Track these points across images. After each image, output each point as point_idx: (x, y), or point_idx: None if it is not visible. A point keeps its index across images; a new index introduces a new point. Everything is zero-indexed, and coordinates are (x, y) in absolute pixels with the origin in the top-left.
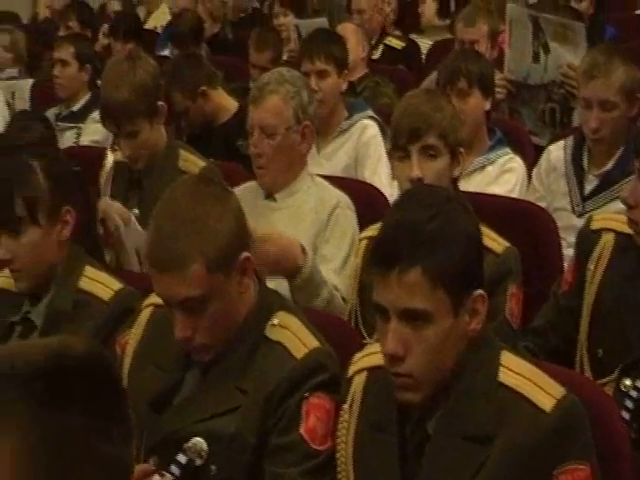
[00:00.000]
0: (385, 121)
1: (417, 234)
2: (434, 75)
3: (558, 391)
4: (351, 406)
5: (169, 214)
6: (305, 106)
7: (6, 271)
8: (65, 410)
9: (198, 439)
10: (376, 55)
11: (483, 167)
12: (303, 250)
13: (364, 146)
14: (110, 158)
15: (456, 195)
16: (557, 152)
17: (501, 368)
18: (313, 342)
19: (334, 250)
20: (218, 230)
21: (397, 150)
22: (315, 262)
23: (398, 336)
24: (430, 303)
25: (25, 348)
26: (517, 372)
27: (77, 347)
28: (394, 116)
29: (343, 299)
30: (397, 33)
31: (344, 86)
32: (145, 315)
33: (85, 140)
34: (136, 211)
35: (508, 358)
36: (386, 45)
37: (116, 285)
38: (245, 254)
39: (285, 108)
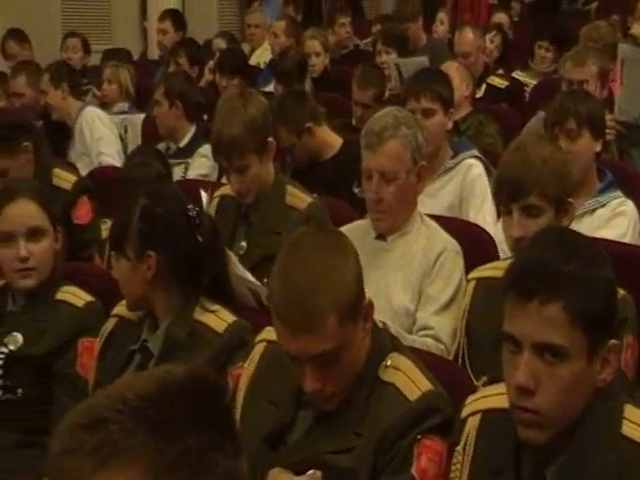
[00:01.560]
0: (489, 161)
1: (558, 271)
2: (541, 114)
3: None
4: (464, 448)
5: (298, 271)
6: (420, 146)
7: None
8: (180, 433)
9: (315, 470)
10: (479, 94)
11: (593, 210)
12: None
13: (469, 185)
14: (204, 197)
15: (592, 241)
16: None
17: (624, 421)
18: (426, 384)
19: (438, 291)
20: (347, 281)
21: (499, 204)
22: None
23: (530, 369)
24: (567, 340)
25: (132, 382)
26: None
27: (179, 372)
28: (499, 167)
29: (439, 340)
30: (500, 72)
31: (449, 125)
32: (258, 350)
33: (192, 174)
34: (243, 244)
35: (631, 411)
36: (489, 84)
37: (230, 318)
38: (366, 299)
39: (404, 152)
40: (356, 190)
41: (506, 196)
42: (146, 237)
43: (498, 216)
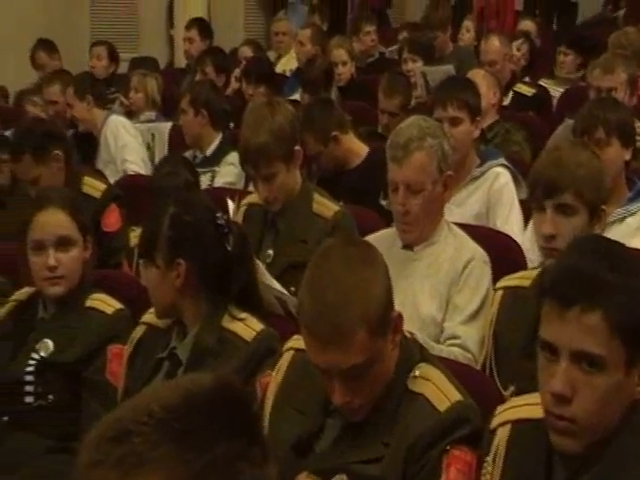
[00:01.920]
0: (516, 169)
1: (598, 279)
2: (569, 122)
3: None
4: (494, 459)
5: (327, 284)
6: (446, 156)
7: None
8: (206, 444)
9: (342, 476)
10: (506, 101)
11: (623, 219)
12: None
13: (496, 194)
14: (230, 206)
15: (629, 250)
16: None
17: None
18: (455, 394)
19: (466, 301)
20: (376, 294)
21: (534, 202)
22: None
23: (567, 377)
24: (605, 350)
25: (159, 392)
26: None
27: (205, 381)
28: (534, 166)
29: (466, 349)
30: (527, 80)
31: (476, 133)
32: (286, 358)
33: (219, 182)
34: (270, 252)
35: None
36: (516, 92)
37: (258, 326)
38: (395, 312)
39: (429, 163)
40: (383, 202)
41: (541, 193)
42: (175, 245)
43: (525, 225)
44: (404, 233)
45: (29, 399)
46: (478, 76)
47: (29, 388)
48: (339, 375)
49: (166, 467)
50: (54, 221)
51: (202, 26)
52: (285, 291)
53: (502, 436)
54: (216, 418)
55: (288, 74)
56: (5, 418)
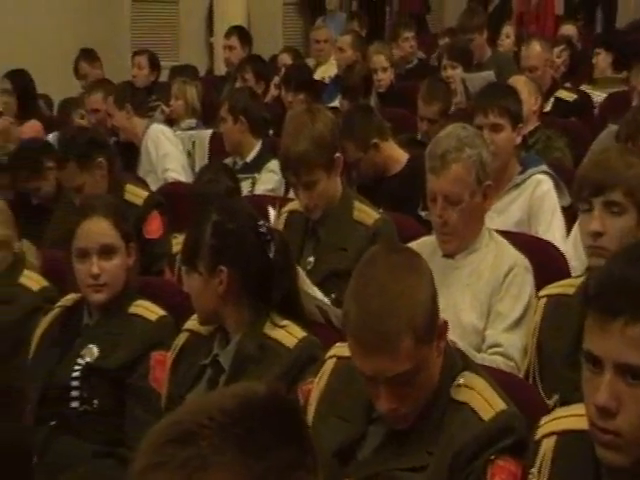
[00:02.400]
0: (558, 175)
1: None
2: (612, 128)
3: None
4: (540, 471)
5: (373, 292)
6: (485, 165)
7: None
8: (264, 450)
9: None
10: (547, 108)
11: None
12: None
13: (538, 201)
14: (271, 213)
15: None
16: None
17: None
18: (500, 403)
19: (508, 309)
20: (422, 301)
21: (581, 202)
22: None
23: (611, 390)
24: None
25: (214, 398)
26: None
27: (260, 389)
28: (581, 167)
29: (509, 358)
30: (568, 85)
31: (518, 140)
32: (329, 366)
33: (259, 189)
34: (311, 260)
35: None
36: (557, 98)
37: (300, 333)
38: (441, 319)
39: (467, 174)
40: (421, 213)
41: (589, 191)
42: (218, 253)
43: (567, 232)
44: (443, 243)
45: (75, 404)
46: (519, 82)
47: (75, 393)
48: (385, 382)
49: (230, 471)
50: (98, 229)
51: (242, 34)
52: (326, 300)
53: (547, 447)
54: (270, 425)
55: (327, 81)
56: (53, 422)
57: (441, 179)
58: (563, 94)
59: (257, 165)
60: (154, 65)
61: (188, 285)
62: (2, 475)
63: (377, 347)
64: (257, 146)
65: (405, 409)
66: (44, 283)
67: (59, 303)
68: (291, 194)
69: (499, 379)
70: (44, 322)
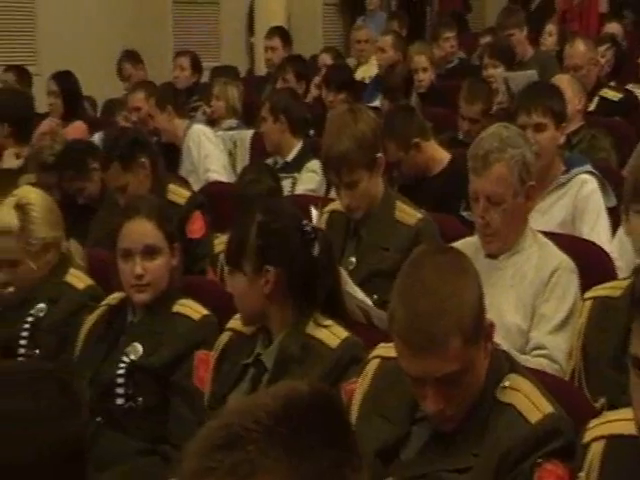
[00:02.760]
0: (603, 175)
1: None
2: None
3: None
4: (588, 475)
5: (420, 292)
6: (528, 165)
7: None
8: (310, 450)
9: None
10: (591, 107)
11: None
12: None
13: (583, 201)
14: (314, 213)
15: None
16: None
17: None
18: (547, 406)
19: (552, 310)
20: (470, 302)
21: (636, 203)
22: None
23: None
24: None
25: (259, 400)
26: None
27: (303, 389)
28: (633, 170)
29: (553, 360)
30: (613, 84)
31: (562, 139)
32: (372, 366)
33: (300, 189)
34: (353, 260)
35: None
36: (602, 97)
37: (343, 333)
38: (488, 319)
39: (510, 174)
40: (464, 213)
41: None
42: (263, 253)
43: (613, 233)
44: (486, 244)
45: (120, 401)
46: (563, 81)
47: (120, 390)
48: (432, 383)
49: (277, 473)
50: (141, 230)
51: (283, 34)
52: (368, 300)
53: (596, 451)
54: (318, 425)
55: (367, 81)
56: (99, 418)
57: (483, 179)
58: (608, 93)
59: (298, 165)
60: (196, 66)
61: (232, 285)
62: (65, 469)
63: (425, 348)
64: (298, 146)
65: (451, 410)
66: (89, 282)
67: (104, 301)
68: (332, 194)
69: (545, 382)
70: (90, 320)
